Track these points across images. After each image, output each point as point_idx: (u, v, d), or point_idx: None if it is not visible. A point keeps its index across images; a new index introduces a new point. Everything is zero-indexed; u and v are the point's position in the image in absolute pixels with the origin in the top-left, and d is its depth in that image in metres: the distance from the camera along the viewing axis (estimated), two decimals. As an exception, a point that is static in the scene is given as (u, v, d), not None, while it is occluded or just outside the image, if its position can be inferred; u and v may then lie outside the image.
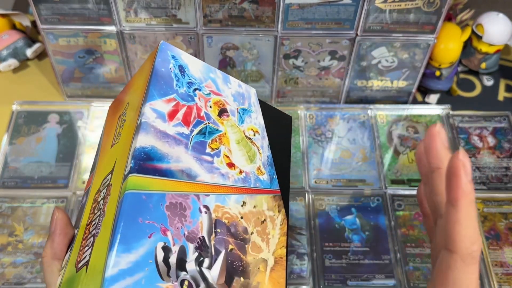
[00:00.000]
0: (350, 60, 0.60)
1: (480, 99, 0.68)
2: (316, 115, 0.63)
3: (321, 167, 0.59)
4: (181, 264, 0.26)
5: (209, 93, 0.34)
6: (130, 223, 0.25)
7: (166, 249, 0.25)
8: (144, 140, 0.27)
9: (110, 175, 0.29)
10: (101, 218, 0.26)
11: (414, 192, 0.57)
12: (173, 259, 0.26)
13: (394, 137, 0.62)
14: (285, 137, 0.39)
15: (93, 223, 0.27)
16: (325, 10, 0.54)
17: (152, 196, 0.26)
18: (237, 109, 0.35)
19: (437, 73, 0.64)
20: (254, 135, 0.35)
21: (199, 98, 0.32)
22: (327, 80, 0.63)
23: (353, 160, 0.60)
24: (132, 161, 0.26)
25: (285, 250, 0.33)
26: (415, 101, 0.68)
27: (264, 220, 0.32)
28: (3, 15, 0.69)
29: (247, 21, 0.56)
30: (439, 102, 0.68)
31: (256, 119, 0.36)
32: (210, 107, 0.33)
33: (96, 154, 0.34)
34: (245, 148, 0.34)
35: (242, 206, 0.31)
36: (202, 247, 0.27)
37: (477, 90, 0.70)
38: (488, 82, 0.70)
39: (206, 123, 0.32)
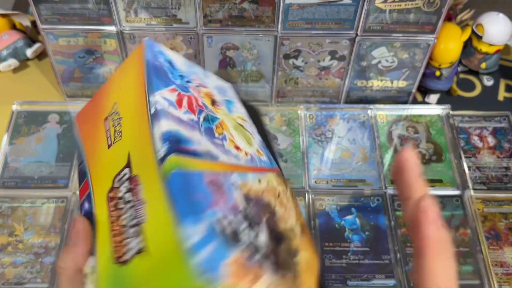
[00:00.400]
0: (350, 60, 0.60)
1: (480, 99, 0.68)
2: (316, 115, 0.63)
3: (321, 167, 0.59)
4: (236, 235, 0.26)
5: (198, 85, 0.34)
6: (186, 199, 0.25)
7: (221, 223, 0.26)
8: (168, 125, 0.28)
9: (126, 168, 0.29)
10: (139, 207, 0.27)
11: (414, 192, 0.57)
12: (229, 231, 0.26)
13: (394, 137, 0.62)
14: (260, 127, 0.40)
15: (125, 216, 0.27)
16: (325, 10, 0.54)
17: (194, 174, 0.27)
18: (223, 100, 0.36)
19: (437, 73, 0.64)
20: (244, 122, 0.37)
21: (192, 89, 0.33)
22: (327, 80, 0.63)
23: (353, 160, 0.60)
24: (167, 143, 0.27)
25: (303, 219, 0.34)
26: (415, 101, 0.68)
27: (279, 194, 0.34)
28: (3, 15, 0.69)
29: (247, 21, 0.56)
30: (439, 102, 0.68)
31: (240, 109, 0.38)
32: (203, 97, 0.34)
33: (81, 163, 0.34)
34: (241, 133, 0.35)
35: (259, 183, 0.32)
36: (246, 219, 0.28)
37: (477, 90, 0.70)
38: (488, 82, 0.70)
39: (206, 112, 0.33)
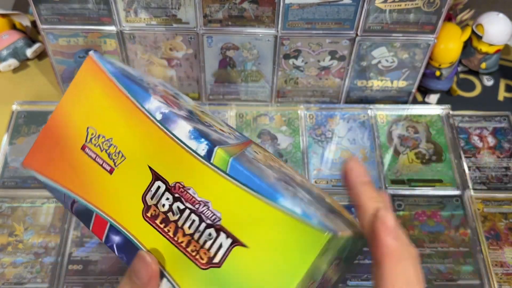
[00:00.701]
0: (350, 60, 0.60)
1: (480, 99, 0.68)
2: (316, 115, 0.63)
3: (321, 167, 0.59)
4: (299, 197, 0.27)
5: (155, 85, 0.34)
6: (257, 179, 0.25)
7: (286, 189, 0.27)
8: (186, 124, 0.28)
9: (157, 182, 0.28)
10: (203, 209, 0.26)
11: (414, 192, 0.57)
12: (295, 194, 0.27)
13: (394, 137, 0.62)
14: None
15: (188, 225, 0.27)
16: (325, 10, 0.54)
17: (239, 158, 0.27)
18: (174, 93, 0.36)
19: (437, 73, 0.64)
20: (201, 108, 0.37)
21: (158, 90, 0.33)
22: (327, 80, 0.63)
23: (353, 160, 0.60)
24: (202, 139, 0.27)
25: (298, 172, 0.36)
26: (415, 101, 0.68)
27: (272, 158, 0.35)
28: (3, 15, 0.69)
29: (247, 21, 0.56)
30: (439, 102, 0.68)
31: (189, 99, 0.38)
32: (166, 95, 0.34)
33: (73, 203, 0.30)
34: (210, 118, 0.35)
35: (257, 154, 0.33)
36: (287, 183, 0.29)
37: (477, 90, 0.70)
38: (488, 82, 0.70)
39: (182, 106, 0.33)
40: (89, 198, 0.30)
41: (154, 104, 0.29)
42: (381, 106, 0.64)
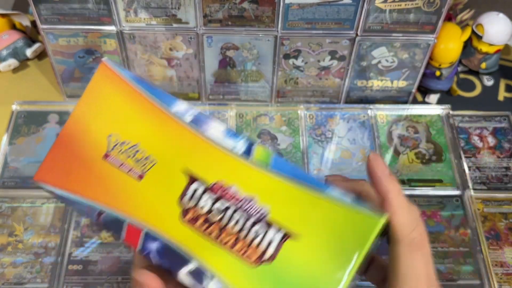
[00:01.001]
0: (350, 60, 0.60)
1: (480, 99, 0.68)
2: (316, 115, 0.63)
3: (321, 167, 0.59)
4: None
5: None
6: (300, 170, 0.26)
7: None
8: (218, 123, 0.28)
9: (194, 183, 0.28)
10: (248, 205, 0.27)
11: (414, 192, 0.57)
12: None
13: (394, 137, 0.62)
14: None
15: (233, 223, 0.27)
16: (325, 10, 0.54)
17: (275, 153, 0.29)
18: None
19: (437, 73, 0.64)
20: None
21: None
22: (327, 80, 0.63)
23: (353, 160, 0.60)
24: (239, 137, 0.28)
25: None
26: (415, 101, 0.68)
27: None
28: (3, 15, 0.69)
29: (247, 21, 0.56)
30: (439, 102, 0.68)
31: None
32: None
33: (99, 214, 0.29)
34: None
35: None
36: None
37: (477, 90, 0.70)
38: (488, 82, 0.70)
39: None
40: (118, 207, 0.29)
41: (182, 107, 0.29)
42: (381, 106, 0.64)
